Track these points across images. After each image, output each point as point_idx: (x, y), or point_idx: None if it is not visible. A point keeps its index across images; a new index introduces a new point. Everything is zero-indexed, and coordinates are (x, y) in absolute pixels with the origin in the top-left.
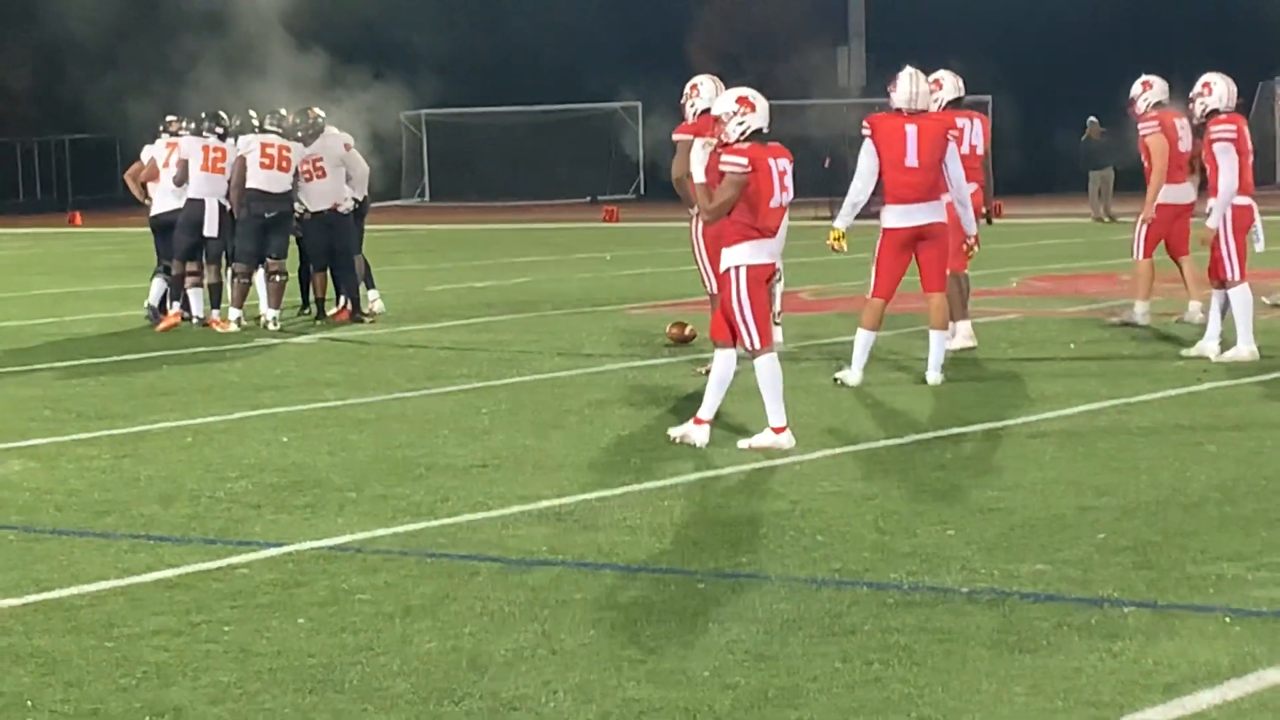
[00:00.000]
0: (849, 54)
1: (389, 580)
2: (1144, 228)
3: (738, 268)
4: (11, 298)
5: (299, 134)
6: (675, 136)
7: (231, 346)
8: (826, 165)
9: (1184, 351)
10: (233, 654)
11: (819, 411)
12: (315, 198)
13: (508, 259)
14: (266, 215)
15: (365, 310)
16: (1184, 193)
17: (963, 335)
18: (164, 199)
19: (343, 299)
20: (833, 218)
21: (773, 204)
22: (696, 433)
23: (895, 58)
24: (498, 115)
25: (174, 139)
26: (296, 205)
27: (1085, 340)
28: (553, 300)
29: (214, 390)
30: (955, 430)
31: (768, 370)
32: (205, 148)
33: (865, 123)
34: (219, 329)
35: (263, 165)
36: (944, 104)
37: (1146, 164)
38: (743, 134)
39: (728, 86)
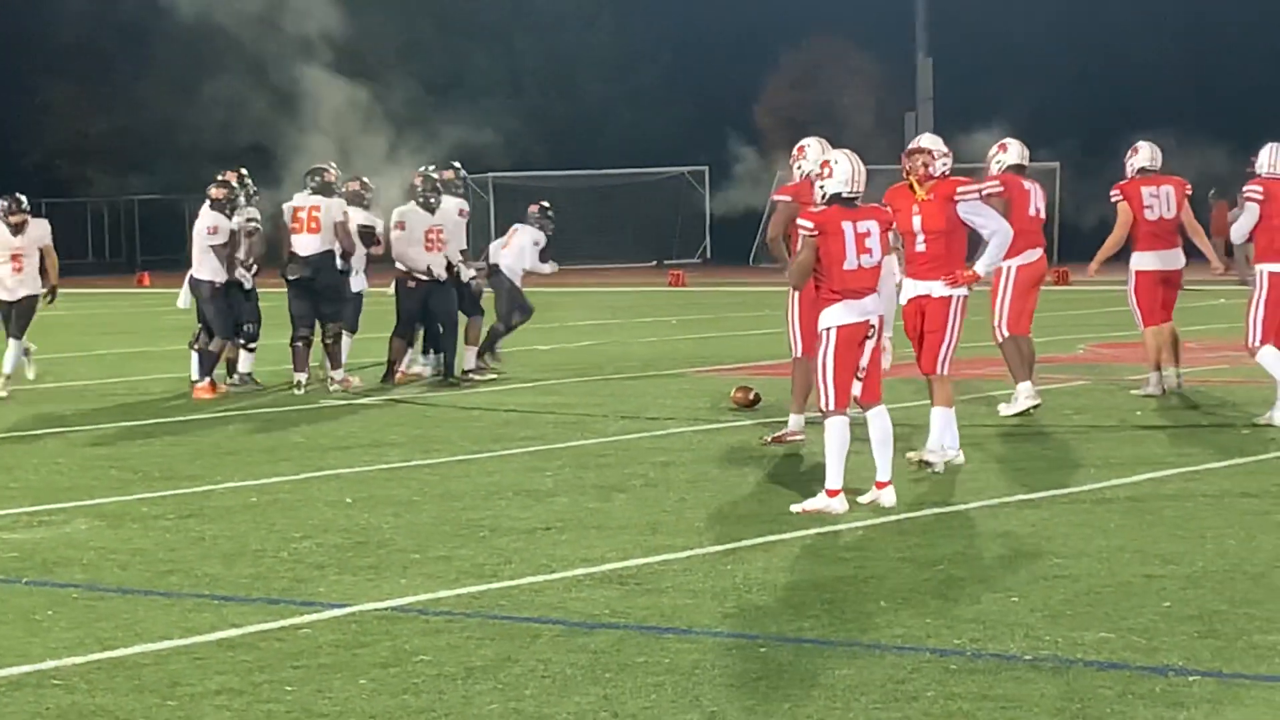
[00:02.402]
0: (917, 119)
1: (451, 642)
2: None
3: (829, 329)
4: (80, 358)
5: (423, 199)
6: (775, 197)
7: (297, 408)
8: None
9: (1255, 419)
10: (295, 714)
11: None
12: (440, 267)
13: (573, 322)
14: (303, 277)
15: (455, 374)
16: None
17: (1025, 395)
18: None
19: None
20: None
21: (847, 266)
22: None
23: (964, 123)
24: (564, 179)
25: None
26: (433, 271)
27: (1151, 408)
28: (617, 364)
29: (279, 451)
30: (1020, 497)
31: (836, 432)
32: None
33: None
34: (203, 396)
35: (293, 229)
36: (1005, 167)
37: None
38: (822, 197)
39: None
